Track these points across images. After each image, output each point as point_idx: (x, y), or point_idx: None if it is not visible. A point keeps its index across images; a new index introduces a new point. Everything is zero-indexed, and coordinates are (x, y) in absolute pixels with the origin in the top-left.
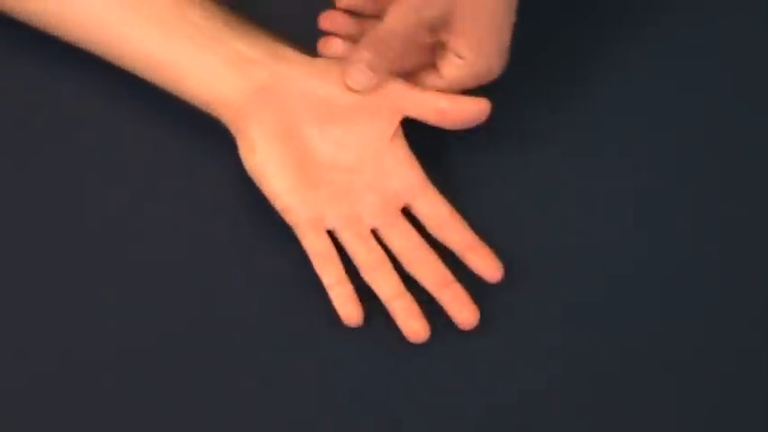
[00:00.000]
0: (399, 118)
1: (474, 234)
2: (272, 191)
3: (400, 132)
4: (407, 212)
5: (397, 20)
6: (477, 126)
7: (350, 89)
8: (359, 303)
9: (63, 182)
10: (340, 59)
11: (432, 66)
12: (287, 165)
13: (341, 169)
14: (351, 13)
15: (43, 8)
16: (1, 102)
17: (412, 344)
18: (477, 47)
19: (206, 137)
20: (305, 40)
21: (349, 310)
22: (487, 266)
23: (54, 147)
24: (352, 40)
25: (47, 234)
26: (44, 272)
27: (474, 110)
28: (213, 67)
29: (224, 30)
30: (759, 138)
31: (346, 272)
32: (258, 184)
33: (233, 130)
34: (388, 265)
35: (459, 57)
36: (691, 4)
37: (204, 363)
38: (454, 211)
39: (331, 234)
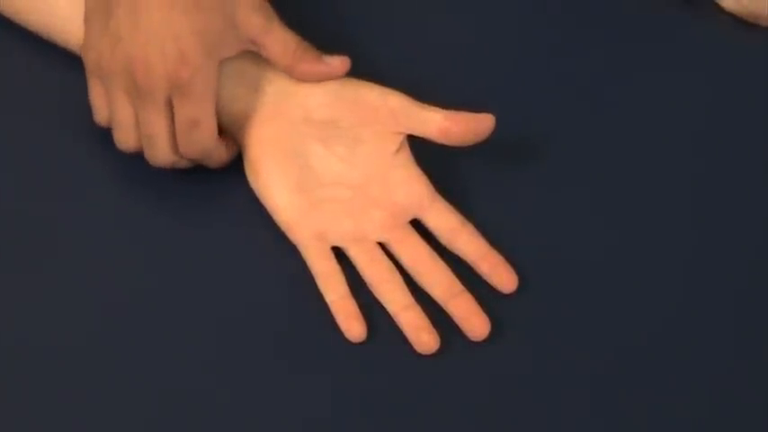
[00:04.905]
0: (403, 136)
1: (487, 243)
2: (275, 207)
3: (406, 146)
4: (417, 224)
5: None
6: None
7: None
8: (362, 319)
9: (67, 182)
10: (344, 77)
11: None
12: (290, 182)
13: (346, 186)
14: None
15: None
16: (3, 102)
17: (421, 356)
18: None
19: None
20: None
21: (351, 326)
22: (502, 276)
23: (59, 148)
24: None
25: (49, 234)
26: (48, 272)
27: (478, 127)
28: (219, 80)
29: None
30: (760, 141)
31: (351, 288)
32: (261, 200)
33: (238, 144)
34: (397, 279)
35: None
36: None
37: (208, 380)
38: (465, 221)
39: (339, 251)
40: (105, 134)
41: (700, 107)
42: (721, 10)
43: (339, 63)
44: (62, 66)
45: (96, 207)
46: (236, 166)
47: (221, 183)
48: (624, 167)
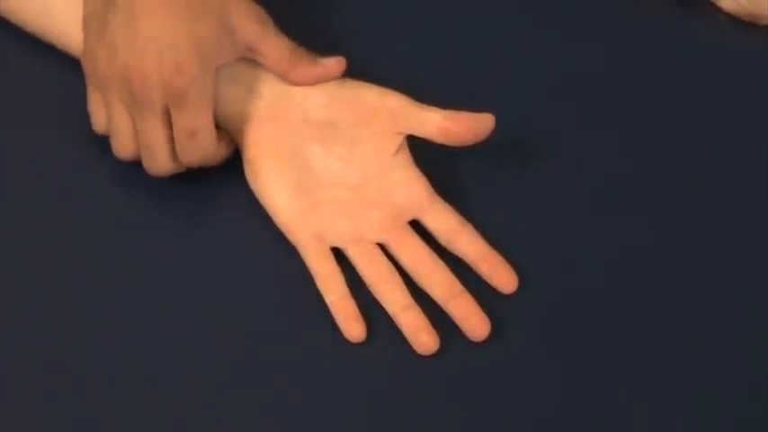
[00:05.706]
0: (403, 136)
1: (487, 244)
2: (274, 208)
3: (405, 146)
4: (416, 224)
5: None
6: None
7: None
8: (362, 320)
9: (66, 182)
10: (343, 78)
11: None
12: (289, 183)
13: (345, 186)
14: None
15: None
16: (2, 103)
17: (421, 356)
18: None
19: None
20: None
21: (351, 326)
22: (502, 276)
23: (57, 149)
24: None
25: (48, 234)
26: (47, 273)
27: (478, 127)
28: (216, 83)
29: None
30: (759, 141)
31: (351, 288)
32: (261, 200)
33: (238, 145)
34: (396, 279)
35: None
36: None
37: (208, 381)
38: (465, 222)
39: (339, 251)
40: (103, 135)
41: (698, 107)
42: (719, 10)
43: (335, 63)
44: (61, 67)
45: (95, 207)
46: (236, 166)
47: (221, 183)
48: (623, 168)
